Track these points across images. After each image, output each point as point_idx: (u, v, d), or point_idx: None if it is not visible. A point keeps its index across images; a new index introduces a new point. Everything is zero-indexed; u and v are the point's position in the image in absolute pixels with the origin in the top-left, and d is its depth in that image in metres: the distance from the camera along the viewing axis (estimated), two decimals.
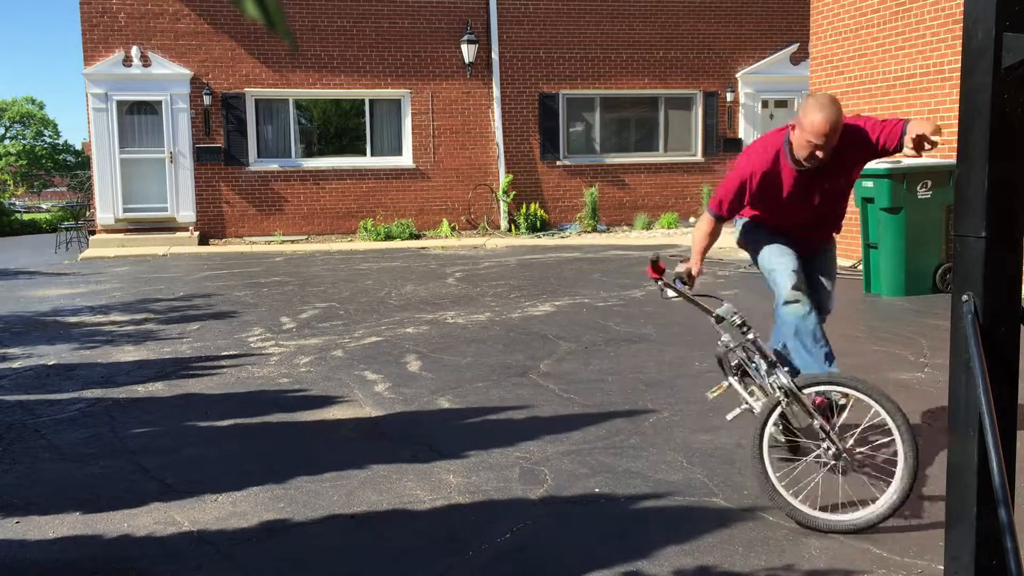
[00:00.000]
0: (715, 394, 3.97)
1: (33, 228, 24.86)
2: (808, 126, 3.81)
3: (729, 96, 18.27)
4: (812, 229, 4.30)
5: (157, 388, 5.97)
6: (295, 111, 17.09)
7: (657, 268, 3.91)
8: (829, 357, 4.01)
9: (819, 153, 3.84)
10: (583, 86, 17.77)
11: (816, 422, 3.59)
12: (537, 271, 11.64)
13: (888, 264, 8.91)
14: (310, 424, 5.15)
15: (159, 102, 16.37)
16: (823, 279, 4.34)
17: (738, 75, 18.29)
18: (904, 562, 3.25)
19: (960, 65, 2.22)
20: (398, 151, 17.47)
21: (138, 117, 16.46)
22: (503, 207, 17.45)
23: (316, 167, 17.07)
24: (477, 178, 17.56)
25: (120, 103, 16.28)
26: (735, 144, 18.37)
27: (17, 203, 41.30)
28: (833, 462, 3.58)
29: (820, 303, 4.25)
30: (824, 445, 3.59)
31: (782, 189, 4.09)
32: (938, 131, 3.70)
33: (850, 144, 3.95)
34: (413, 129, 17.31)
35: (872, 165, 9.22)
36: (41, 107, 63.47)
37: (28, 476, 4.32)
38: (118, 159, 16.30)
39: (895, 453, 3.45)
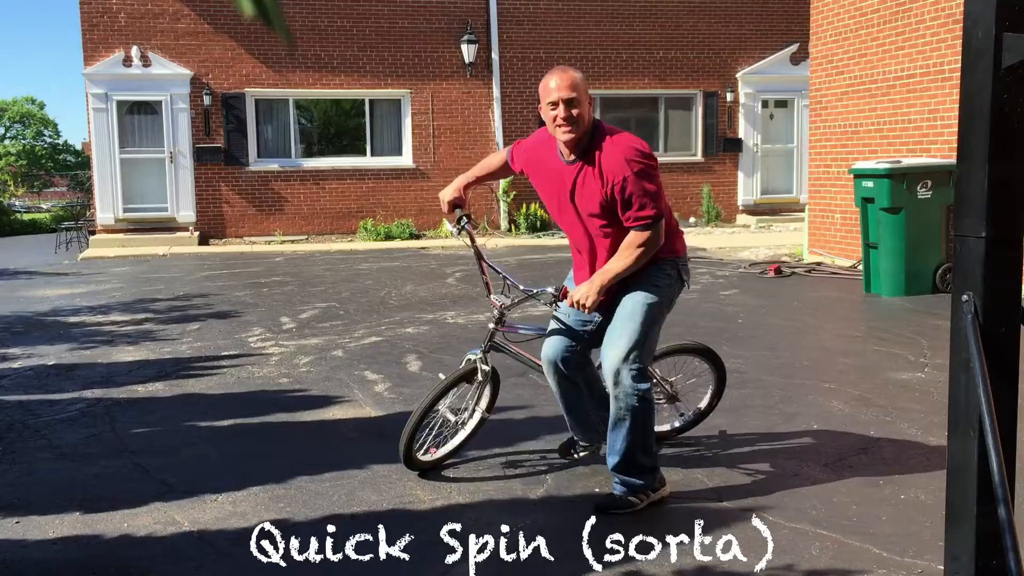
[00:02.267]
0: None
1: (33, 228, 24.89)
2: (543, 91, 3.64)
3: (729, 96, 18.26)
4: (583, 254, 3.94)
5: (157, 388, 5.97)
6: (295, 111, 17.09)
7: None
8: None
9: (562, 116, 3.56)
10: None
11: None
12: (537, 271, 11.64)
13: (888, 264, 8.90)
14: (310, 424, 5.15)
15: (159, 102, 16.38)
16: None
17: (738, 75, 18.29)
18: (904, 562, 3.25)
19: (960, 65, 2.22)
20: (398, 151, 17.47)
21: (138, 117, 16.47)
22: (503, 207, 17.45)
23: (316, 167, 17.07)
24: None
25: (120, 103, 16.28)
26: (735, 144, 18.38)
27: (17, 203, 41.28)
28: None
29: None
30: None
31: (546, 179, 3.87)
32: (584, 305, 3.73)
33: (608, 163, 3.55)
34: (413, 129, 17.31)
35: (872, 165, 9.23)
36: (41, 107, 63.57)
37: (28, 476, 4.32)
38: (118, 159, 16.31)
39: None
